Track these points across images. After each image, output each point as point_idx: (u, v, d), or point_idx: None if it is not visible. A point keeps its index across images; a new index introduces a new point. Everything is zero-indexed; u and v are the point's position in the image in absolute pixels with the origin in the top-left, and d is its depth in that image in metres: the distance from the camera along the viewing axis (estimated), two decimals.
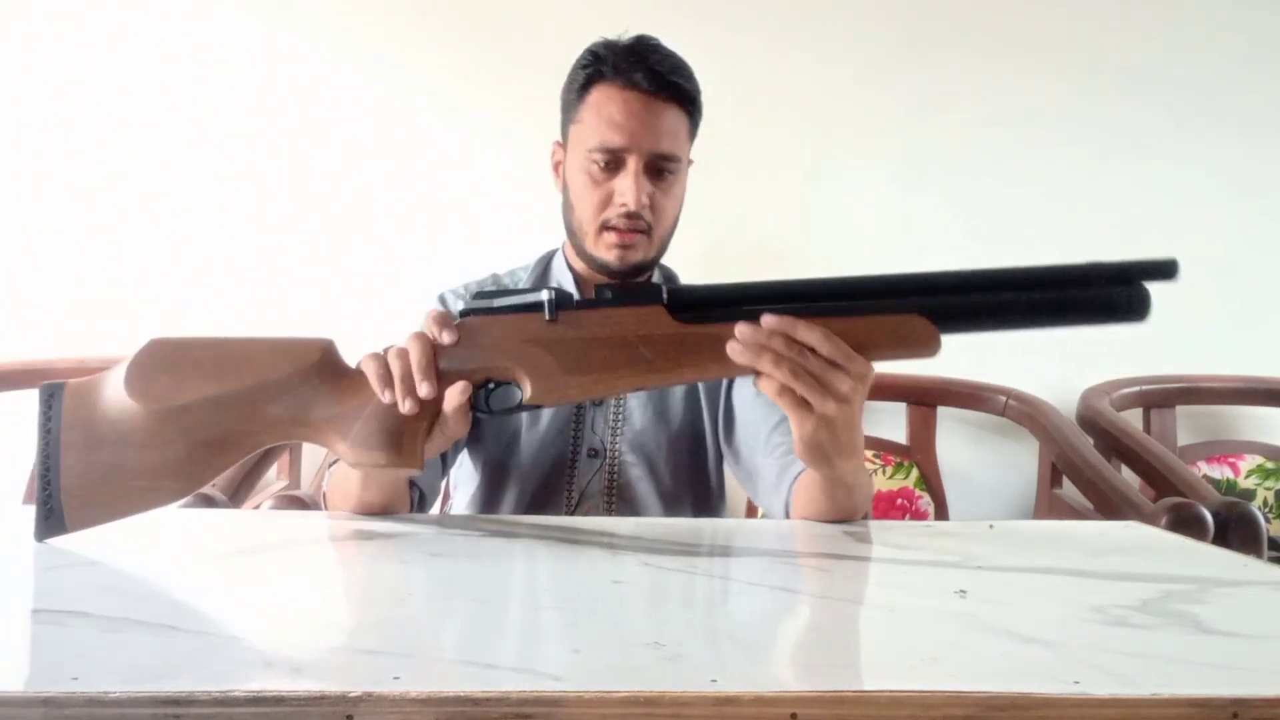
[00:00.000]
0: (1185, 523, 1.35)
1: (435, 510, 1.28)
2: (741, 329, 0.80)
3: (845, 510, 0.97)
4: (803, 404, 0.82)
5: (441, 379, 0.82)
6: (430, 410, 0.82)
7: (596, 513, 1.16)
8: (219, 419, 0.78)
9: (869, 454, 1.95)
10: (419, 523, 0.93)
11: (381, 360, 0.82)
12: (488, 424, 1.18)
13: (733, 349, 0.80)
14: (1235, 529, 1.41)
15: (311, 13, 1.98)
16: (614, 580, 0.71)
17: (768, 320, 0.80)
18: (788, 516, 1.06)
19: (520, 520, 0.97)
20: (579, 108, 1.13)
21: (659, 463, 1.18)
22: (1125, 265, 0.81)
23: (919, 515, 1.92)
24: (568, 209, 1.16)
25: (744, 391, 1.17)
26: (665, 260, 1.30)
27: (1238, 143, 2.11)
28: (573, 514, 1.16)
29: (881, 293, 0.83)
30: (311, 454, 1.92)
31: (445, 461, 1.14)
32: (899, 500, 1.92)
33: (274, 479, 1.85)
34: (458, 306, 1.19)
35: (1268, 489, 1.99)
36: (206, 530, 0.90)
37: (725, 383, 1.20)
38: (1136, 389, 2.01)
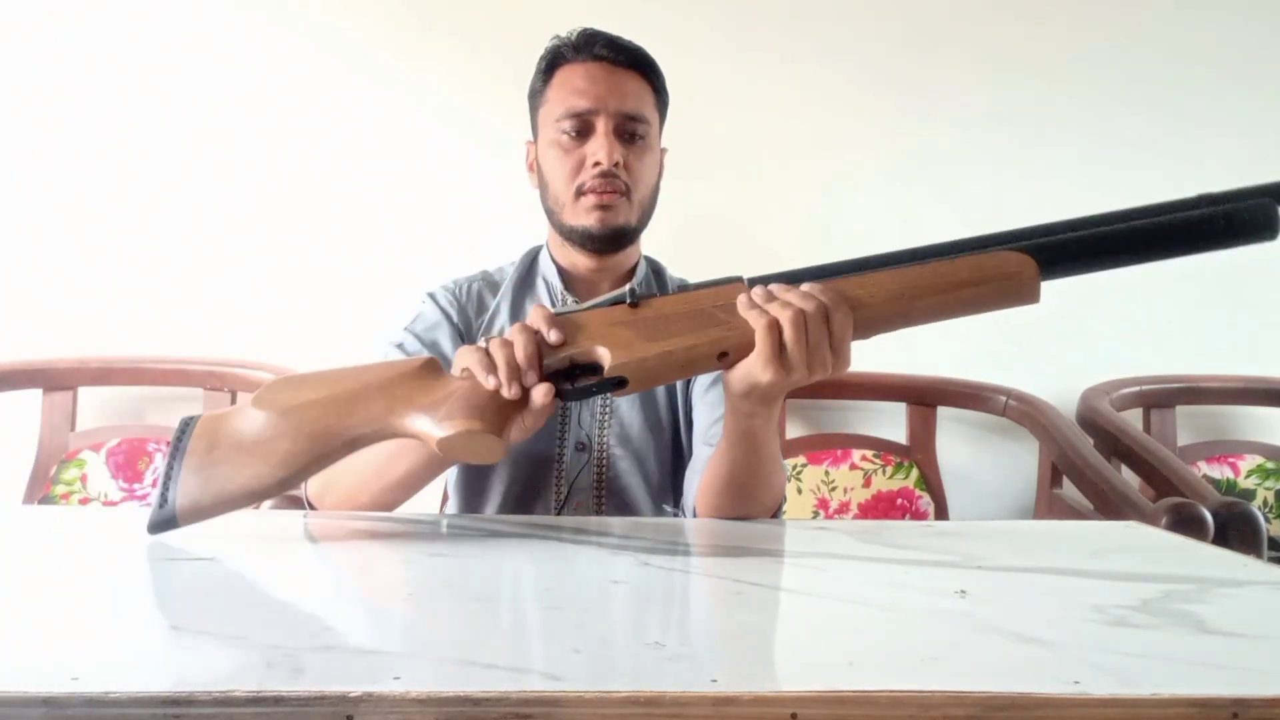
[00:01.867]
0: (1185, 523, 1.35)
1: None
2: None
3: (754, 485, 0.97)
4: (779, 353, 0.82)
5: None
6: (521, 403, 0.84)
7: (586, 507, 1.15)
8: (323, 415, 0.83)
9: (869, 453, 1.95)
10: (419, 523, 0.93)
11: (483, 350, 0.84)
12: None
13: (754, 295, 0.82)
14: (1235, 529, 1.41)
15: (312, 15, 1.98)
16: (614, 580, 0.71)
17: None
18: (693, 506, 1.06)
19: (520, 520, 0.97)
20: (544, 93, 1.15)
21: (647, 456, 1.18)
22: (1259, 188, 0.75)
23: (919, 515, 1.92)
24: (544, 191, 1.17)
25: (699, 385, 1.18)
26: (660, 259, 1.30)
27: (1237, 143, 2.11)
28: (562, 509, 1.15)
29: (970, 248, 0.82)
30: None
31: None
32: (899, 500, 1.92)
33: None
34: (447, 304, 1.21)
35: (1268, 489, 1.99)
36: (206, 530, 0.90)
37: (685, 381, 1.19)
38: (1136, 389, 2.01)
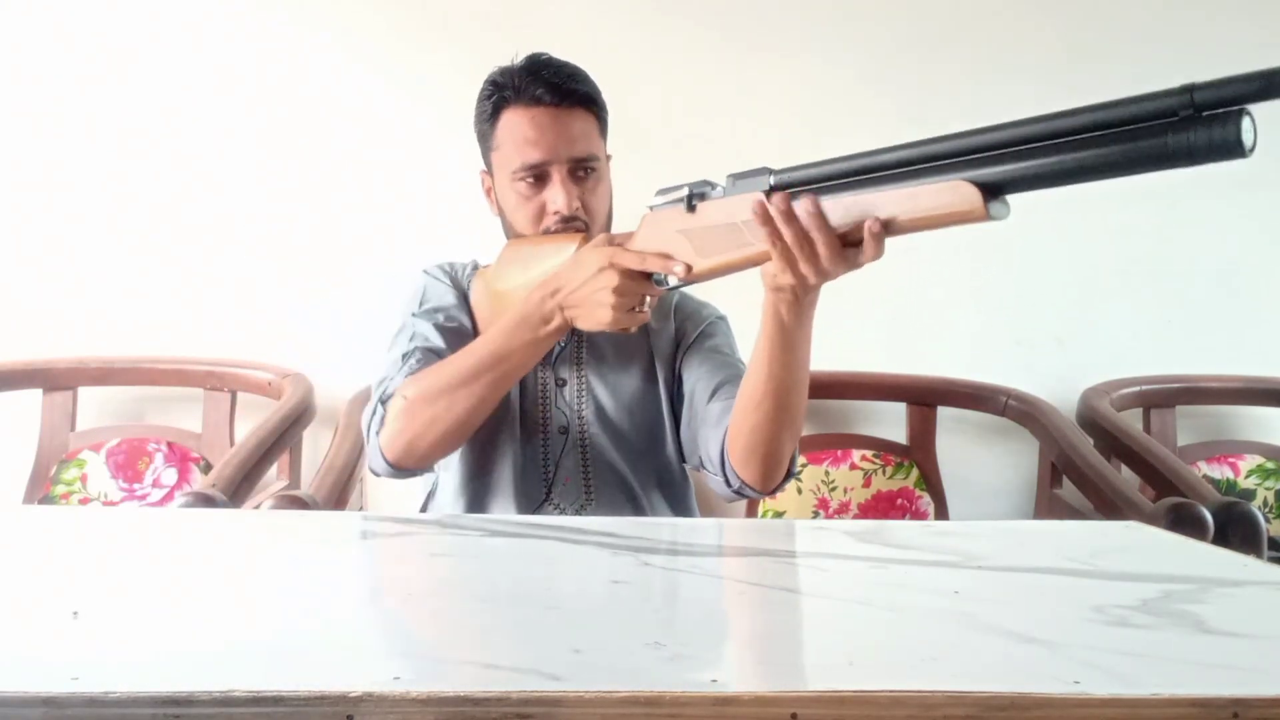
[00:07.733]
0: (1185, 523, 1.35)
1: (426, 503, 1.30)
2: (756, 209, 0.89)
3: (789, 389, 1.00)
4: (794, 263, 0.89)
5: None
6: None
7: (575, 484, 1.20)
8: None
9: (869, 453, 1.95)
10: (419, 523, 0.93)
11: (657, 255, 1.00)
12: None
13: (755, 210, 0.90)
14: (1235, 529, 1.41)
15: (313, 15, 1.98)
16: (614, 580, 0.71)
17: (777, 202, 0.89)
18: (722, 451, 1.08)
19: (520, 520, 0.97)
20: (493, 136, 1.19)
21: (628, 433, 1.22)
22: (1220, 90, 0.64)
23: (919, 515, 1.92)
24: (508, 227, 1.22)
25: (690, 360, 1.22)
26: None
27: None
28: (551, 488, 1.19)
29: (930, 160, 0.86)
30: (311, 454, 1.92)
31: None
32: (899, 500, 1.92)
33: (274, 479, 1.85)
34: (437, 284, 1.25)
35: (1268, 489, 1.99)
36: (206, 530, 0.90)
37: (680, 355, 1.24)
38: (1136, 389, 2.01)
